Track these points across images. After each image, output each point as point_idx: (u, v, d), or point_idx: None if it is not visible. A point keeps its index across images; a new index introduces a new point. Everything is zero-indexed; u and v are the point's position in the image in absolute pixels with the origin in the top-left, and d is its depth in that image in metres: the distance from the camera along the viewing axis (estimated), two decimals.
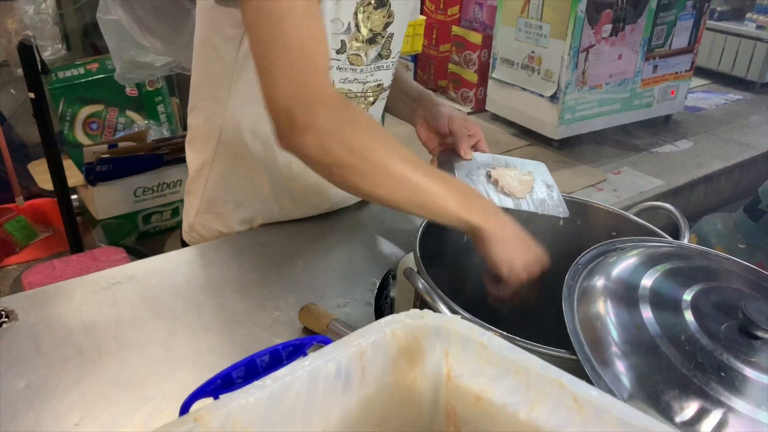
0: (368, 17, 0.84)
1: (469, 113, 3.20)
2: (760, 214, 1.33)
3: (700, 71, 3.69)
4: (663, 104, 3.03)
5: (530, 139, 2.89)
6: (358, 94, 0.90)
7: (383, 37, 0.88)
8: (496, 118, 3.09)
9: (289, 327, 0.72)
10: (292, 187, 0.93)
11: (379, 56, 0.89)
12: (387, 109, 0.99)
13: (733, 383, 0.54)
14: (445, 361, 0.37)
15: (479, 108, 3.19)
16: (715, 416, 0.51)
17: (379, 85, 0.92)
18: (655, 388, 0.54)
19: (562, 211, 0.82)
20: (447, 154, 0.90)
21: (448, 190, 0.70)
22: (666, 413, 0.52)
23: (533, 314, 0.87)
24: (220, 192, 0.92)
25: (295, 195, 0.94)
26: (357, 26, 0.83)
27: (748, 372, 0.55)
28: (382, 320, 0.37)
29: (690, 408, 0.52)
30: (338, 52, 0.83)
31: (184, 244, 0.97)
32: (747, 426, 0.52)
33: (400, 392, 0.38)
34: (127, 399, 0.63)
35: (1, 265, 2.09)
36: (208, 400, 0.32)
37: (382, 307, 0.83)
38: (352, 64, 0.85)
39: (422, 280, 0.65)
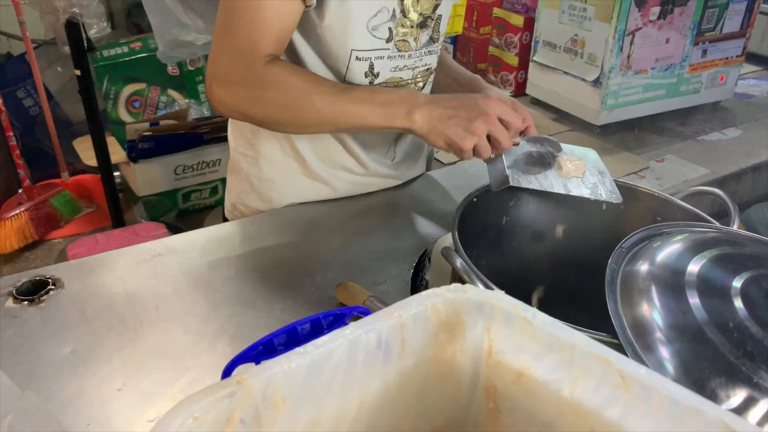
0: (417, 1, 0.82)
1: None
2: None
3: (751, 57, 3.54)
4: (711, 90, 2.92)
5: (571, 125, 2.83)
6: (409, 81, 0.90)
7: (433, 20, 0.87)
8: (536, 102, 3.03)
9: (326, 303, 0.72)
10: (333, 167, 0.93)
11: (431, 40, 0.89)
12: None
13: None
14: (487, 336, 0.37)
15: (519, 92, 3.13)
16: (763, 406, 0.50)
17: (428, 69, 0.92)
18: (701, 375, 0.52)
19: (615, 197, 0.80)
20: None
21: (369, 106, 0.77)
22: (711, 401, 0.51)
23: (575, 297, 0.85)
24: (262, 172, 0.93)
25: (335, 175, 0.94)
26: (404, 11, 0.82)
27: None
28: (424, 293, 0.37)
29: (737, 396, 0.51)
30: (387, 41, 0.83)
31: (225, 222, 0.99)
32: None
33: (438, 367, 0.38)
34: (167, 368, 0.64)
35: (47, 239, 2.16)
36: (250, 366, 0.32)
37: (418, 288, 0.82)
38: (399, 50, 0.85)
39: (461, 259, 0.64)
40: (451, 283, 0.75)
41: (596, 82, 2.61)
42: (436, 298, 0.36)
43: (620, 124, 2.76)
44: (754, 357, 0.53)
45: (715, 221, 0.77)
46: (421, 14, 0.84)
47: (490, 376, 0.37)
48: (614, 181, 0.83)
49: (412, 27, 0.85)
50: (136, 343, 0.67)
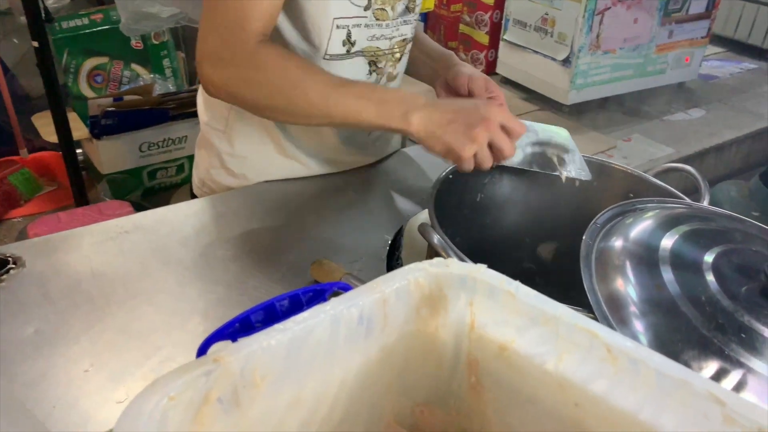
0: None
1: None
2: None
3: (715, 39, 3.60)
4: (677, 71, 2.96)
5: (541, 104, 2.84)
6: (386, 51, 0.88)
7: None
8: (506, 81, 3.03)
9: (300, 281, 0.71)
10: (307, 144, 0.91)
11: (407, 9, 0.87)
12: (407, 71, 0.97)
13: (754, 345, 0.53)
14: (469, 311, 0.36)
15: (490, 71, 3.12)
16: (734, 376, 0.51)
17: (404, 39, 0.90)
18: (674, 348, 0.53)
19: (585, 174, 0.81)
20: None
21: (364, 101, 0.74)
22: None
23: (550, 274, 0.86)
24: (234, 148, 0.91)
25: (309, 153, 0.92)
26: None
27: None
28: (406, 267, 0.36)
29: (709, 368, 0.52)
30: (365, 8, 0.81)
31: (194, 198, 0.96)
32: (767, 387, 0.51)
33: (421, 341, 0.37)
34: (137, 347, 0.63)
35: (6, 218, 2.09)
36: (227, 343, 0.31)
37: (394, 266, 0.82)
38: (378, 19, 0.84)
39: (437, 235, 0.63)
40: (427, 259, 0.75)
41: (566, 62, 2.63)
42: (419, 273, 0.36)
43: (589, 103, 2.79)
44: (725, 329, 0.54)
45: (686, 197, 0.78)
46: None
47: (472, 350, 0.37)
48: (589, 158, 0.84)
49: None
50: (103, 322, 0.65)
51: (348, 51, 0.84)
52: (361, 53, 0.85)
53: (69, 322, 0.65)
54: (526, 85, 2.90)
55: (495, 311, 0.35)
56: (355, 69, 0.86)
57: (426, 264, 0.36)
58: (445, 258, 0.62)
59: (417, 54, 0.96)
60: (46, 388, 0.57)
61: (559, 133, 0.87)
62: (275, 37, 0.81)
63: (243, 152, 0.91)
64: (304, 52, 0.83)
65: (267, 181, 0.92)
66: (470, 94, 0.87)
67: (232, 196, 0.90)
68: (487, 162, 0.73)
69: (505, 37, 2.90)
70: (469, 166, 0.73)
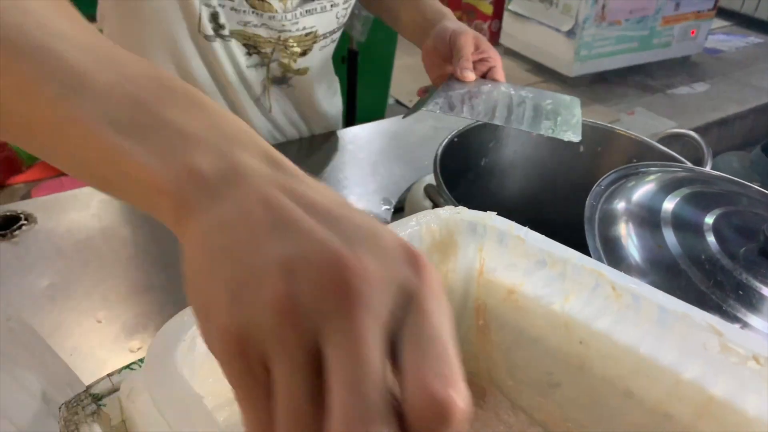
0: None
1: None
2: None
3: (722, 12, 3.57)
4: (682, 44, 2.94)
5: (545, 76, 2.83)
6: (272, 40, 0.76)
7: None
8: (510, 52, 3.01)
9: None
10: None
11: None
12: (404, 35, 0.86)
13: (751, 301, 0.55)
14: (479, 256, 0.37)
15: (493, 42, 3.10)
16: None
17: (309, 33, 0.77)
18: None
19: (570, 136, 0.72)
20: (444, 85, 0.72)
21: (136, 138, 0.25)
22: None
23: (555, 237, 0.87)
24: None
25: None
26: None
27: (766, 291, 0.56)
28: (419, 213, 0.37)
29: None
30: None
31: None
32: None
33: None
34: (148, 301, 0.64)
35: (9, 183, 2.09)
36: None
37: None
38: (255, 8, 0.71)
39: (446, 195, 0.64)
40: None
41: (570, 33, 2.61)
42: (431, 218, 0.37)
43: (593, 76, 2.78)
44: (723, 286, 0.56)
45: (687, 162, 0.79)
46: None
47: (480, 294, 0.38)
48: (594, 123, 0.84)
49: None
50: (114, 278, 0.67)
51: (216, 32, 0.73)
52: (231, 36, 0.74)
53: (81, 276, 0.66)
54: (530, 57, 2.88)
55: (504, 256, 0.36)
56: (232, 53, 0.76)
57: (438, 210, 0.37)
58: None
59: (413, 14, 0.81)
60: (61, 337, 0.58)
61: (565, 100, 0.85)
62: (152, 17, 0.71)
63: None
64: (184, 30, 0.72)
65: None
66: (452, 51, 0.72)
67: None
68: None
69: (509, 7, 2.87)
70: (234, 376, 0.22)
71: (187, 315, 0.29)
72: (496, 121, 0.69)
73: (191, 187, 0.23)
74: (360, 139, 0.99)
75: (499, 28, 3.04)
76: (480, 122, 0.72)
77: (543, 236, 0.36)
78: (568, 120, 0.76)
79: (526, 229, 0.36)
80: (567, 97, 0.84)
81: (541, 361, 0.36)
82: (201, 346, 0.29)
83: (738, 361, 0.28)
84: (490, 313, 0.38)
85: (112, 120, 0.25)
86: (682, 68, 3.10)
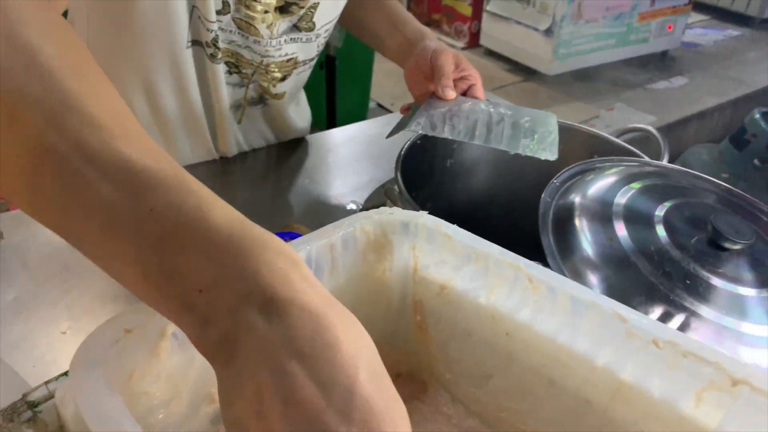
0: None
1: (462, 48, 3.14)
2: (745, 143, 1.33)
3: (698, 6, 3.61)
4: (660, 40, 2.97)
5: (524, 75, 2.86)
6: (254, 63, 0.77)
7: (301, 7, 0.73)
8: (490, 53, 3.04)
9: None
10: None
11: (296, 28, 0.75)
12: (386, 55, 0.87)
13: (698, 290, 0.56)
14: (413, 254, 0.39)
15: (474, 43, 3.13)
16: (678, 319, 0.54)
17: (291, 60, 0.78)
18: (624, 296, 0.56)
19: (547, 155, 0.74)
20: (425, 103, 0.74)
21: (157, 285, 0.29)
22: None
23: (523, 234, 0.88)
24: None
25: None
26: None
27: (715, 281, 0.57)
28: (353, 216, 0.38)
29: (655, 312, 0.54)
30: (219, 12, 0.70)
31: None
32: (709, 329, 0.54)
33: (369, 285, 0.39)
34: (113, 311, 0.65)
35: None
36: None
37: None
38: (242, 30, 0.72)
39: (403, 198, 0.65)
40: None
41: (548, 32, 2.63)
42: (365, 220, 0.38)
43: (572, 73, 2.80)
44: (671, 277, 0.57)
45: (645, 156, 0.80)
46: None
47: (416, 291, 0.39)
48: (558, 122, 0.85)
49: (266, 12, 0.71)
50: (80, 288, 0.67)
51: (198, 42, 0.73)
52: (220, 54, 0.75)
53: (47, 288, 0.67)
54: (509, 57, 2.91)
55: (434, 253, 0.38)
56: (214, 67, 0.75)
57: (372, 212, 0.39)
58: None
59: (395, 36, 0.82)
60: (25, 349, 0.59)
61: (542, 116, 0.83)
62: (130, 26, 0.69)
63: None
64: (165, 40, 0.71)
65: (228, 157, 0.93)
66: (433, 71, 0.74)
67: (204, 165, 0.91)
68: None
69: (488, 8, 2.90)
70: None
71: (112, 323, 0.30)
72: (476, 141, 0.72)
73: (203, 347, 0.27)
74: (329, 143, 1.00)
75: (479, 30, 3.07)
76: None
77: (468, 233, 0.37)
78: (545, 138, 0.78)
79: (453, 226, 0.37)
80: (544, 113, 0.84)
81: (474, 354, 0.37)
82: (132, 351, 0.30)
83: (641, 346, 0.29)
84: (426, 308, 0.39)
85: (143, 263, 0.28)
86: (661, 63, 3.13)
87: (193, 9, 0.70)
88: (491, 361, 0.36)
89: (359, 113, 2.57)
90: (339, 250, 0.37)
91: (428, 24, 3.33)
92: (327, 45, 2.03)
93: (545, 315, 0.33)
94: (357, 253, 0.38)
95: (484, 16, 2.96)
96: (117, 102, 0.32)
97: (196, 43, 0.74)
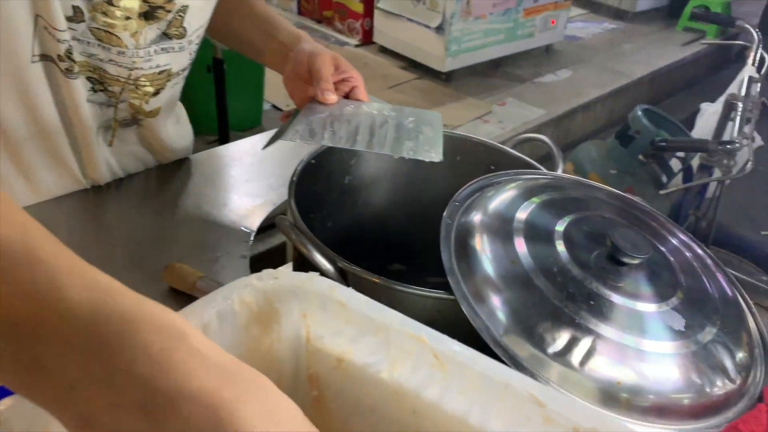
0: None
1: (356, 46, 3.11)
2: (630, 139, 1.40)
3: (578, 1, 3.80)
4: (544, 34, 3.09)
5: (419, 73, 2.87)
6: (121, 78, 0.70)
7: (168, 11, 0.67)
8: (384, 50, 3.03)
9: (153, 288, 0.66)
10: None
11: (165, 36, 0.69)
12: (264, 63, 0.81)
13: (601, 310, 0.55)
14: (304, 323, 0.34)
15: (367, 40, 3.10)
16: (584, 344, 0.52)
17: (164, 71, 0.72)
18: (529, 322, 0.54)
19: (431, 156, 0.70)
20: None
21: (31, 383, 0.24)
22: (539, 345, 0.53)
23: (428, 249, 0.85)
24: None
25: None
26: None
27: (615, 298, 0.57)
28: (230, 285, 0.33)
29: (562, 338, 0.53)
30: (70, 20, 0.63)
31: None
32: (614, 350, 0.53)
33: (256, 361, 0.34)
34: None
35: None
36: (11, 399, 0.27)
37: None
38: (102, 41, 0.65)
39: (296, 230, 0.61)
40: (293, 252, 0.72)
41: (439, 29, 2.66)
42: (244, 290, 0.33)
43: (465, 70, 2.85)
44: (575, 298, 0.56)
45: (542, 167, 0.80)
46: (145, 1, 0.64)
47: (311, 363, 0.35)
48: (451, 132, 0.83)
49: (128, 18, 0.65)
50: None
51: (48, 57, 0.65)
52: (77, 70, 0.67)
53: None
54: (403, 54, 2.91)
55: (329, 322, 0.33)
56: (69, 84, 0.67)
57: (253, 278, 0.33)
58: (304, 252, 0.60)
59: (269, 43, 0.77)
60: None
61: (427, 116, 0.81)
62: None
63: None
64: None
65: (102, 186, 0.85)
66: (311, 74, 0.70)
67: (72, 197, 0.82)
68: None
69: (379, 5, 2.88)
70: None
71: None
72: (358, 147, 0.67)
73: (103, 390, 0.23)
74: (216, 163, 0.93)
75: (372, 27, 3.05)
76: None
77: (366, 298, 0.33)
78: (430, 138, 0.75)
79: (349, 291, 0.33)
80: (429, 113, 0.82)
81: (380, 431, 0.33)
82: None
83: None
84: (323, 382, 0.35)
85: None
86: (547, 57, 3.26)
87: (36, 18, 0.61)
88: None
89: (253, 117, 2.47)
90: (215, 329, 0.32)
91: (319, 21, 3.26)
92: (213, 48, 1.92)
93: (454, 393, 0.30)
94: (237, 329, 0.33)
95: (376, 13, 2.94)
96: None
97: (45, 57, 0.65)
